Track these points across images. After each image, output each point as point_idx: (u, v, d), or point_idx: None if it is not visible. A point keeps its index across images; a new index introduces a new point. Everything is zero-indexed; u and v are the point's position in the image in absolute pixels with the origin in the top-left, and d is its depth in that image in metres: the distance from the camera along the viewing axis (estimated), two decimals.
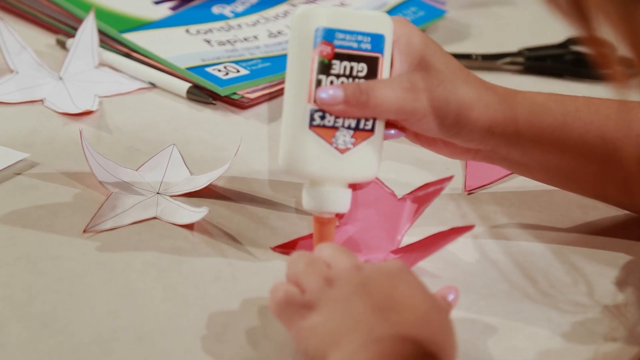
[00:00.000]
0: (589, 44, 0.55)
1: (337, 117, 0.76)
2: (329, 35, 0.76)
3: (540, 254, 0.84)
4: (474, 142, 0.80)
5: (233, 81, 1.08)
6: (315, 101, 0.76)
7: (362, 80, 0.76)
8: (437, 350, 0.62)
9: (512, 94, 0.81)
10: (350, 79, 0.76)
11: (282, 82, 1.11)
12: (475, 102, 0.78)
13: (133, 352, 0.69)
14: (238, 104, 1.07)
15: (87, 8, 1.12)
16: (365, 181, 0.82)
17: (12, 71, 1.07)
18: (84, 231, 0.82)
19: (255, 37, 1.16)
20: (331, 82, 0.76)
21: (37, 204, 0.85)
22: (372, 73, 0.77)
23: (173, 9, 1.19)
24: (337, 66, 0.76)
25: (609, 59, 0.55)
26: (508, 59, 1.19)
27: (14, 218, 0.83)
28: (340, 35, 0.76)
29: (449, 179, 0.83)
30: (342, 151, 0.77)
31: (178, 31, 1.16)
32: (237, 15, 1.19)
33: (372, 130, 0.77)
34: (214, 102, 1.07)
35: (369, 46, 0.77)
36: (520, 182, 0.95)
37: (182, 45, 1.14)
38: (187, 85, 1.08)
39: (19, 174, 0.90)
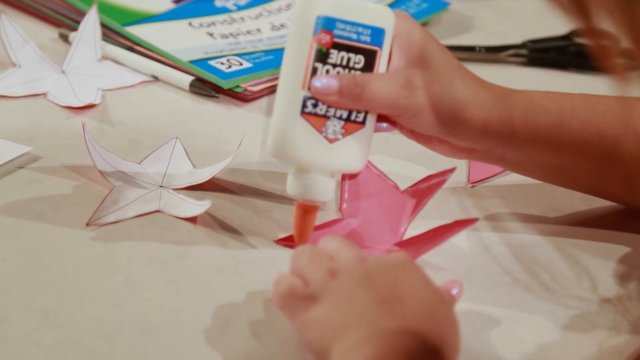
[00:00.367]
0: (589, 37, 0.55)
1: (329, 107, 0.76)
2: (329, 24, 0.76)
3: (543, 247, 0.84)
4: (469, 141, 0.80)
5: (236, 74, 1.08)
6: (309, 89, 0.76)
7: (358, 73, 0.76)
8: (440, 343, 0.62)
9: (508, 93, 0.81)
10: (347, 70, 0.76)
11: None
12: (471, 101, 0.78)
13: (136, 346, 0.69)
14: (241, 97, 1.07)
15: (89, 1, 1.12)
16: (350, 173, 0.82)
17: (14, 65, 1.07)
18: (87, 224, 0.82)
19: (258, 30, 1.16)
20: (327, 71, 0.76)
21: (40, 197, 0.85)
22: (369, 66, 0.77)
23: (176, 2, 1.19)
24: (335, 56, 0.76)
25: (609, 52, 0.54)
26: (512, 51, 1.19)
27: (17, 211, 0.83)
28: (341, 25, 0.76)
29: (452, 170, 0.83)
30: (331, 141, 0.77)
31: (181, 24, 1.16)
32: (240, 8, 1.19)
33: (363, 122, 0.77)
34: (217, 95, 1.07)
35: (368, 39, 0.77)
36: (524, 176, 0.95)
37: (185, 38, 1.14)
38: (190, 78, 1.08)
39: (21, 167, 0.90)
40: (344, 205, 0.86)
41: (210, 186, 0.89)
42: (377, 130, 0.79)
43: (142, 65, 1.10)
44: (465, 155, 0.83)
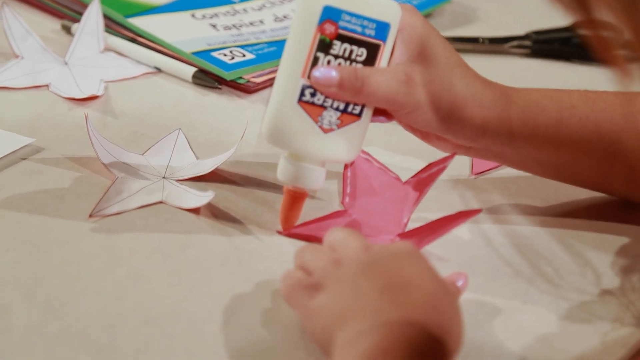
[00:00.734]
0: (589, 29, 0.55)
1: (327, 97, 0.76)
2: (335, 14, 0.76)
3: (546, 239, 0.84)
4: (466, 139, 0.80)
5: (239, 65, 1.08)
6: (309, 78, 0.76)
7: (359, 65, 0.76)
8: (443, 333, 0.62)
9: (508, 92, 0.81)
10: (348, 62, 0.76)
11: None
12: (470, 100, 0.78)
13: (139, 337, 0.69)
14: (244, 89, 1.07)
15: None
16: (341, 162, 0.82)
17: (17, 56, 1.07)
18: (90, 215, 0.82)
19: (261, 22, 1.16)
20: (328, 62, 0.76)
21: (42, 188, 0.85)
22: (370, 59, 0.77)
23: None
24: (338, 47, 0.76)
25: (610, 45, 0.54)
26: (515, 43, 1.19)
27: (19, 203, 0.83)
28: (347, 17, 0.76)
29: (451, 156, 0.83)
30: (325, 131, 0.77)
31: (183, 16, 1.15)
32: None
33: (359, 115, 0.78)
34: (220, 86, 1.07)
35: (372, 32, 0.77)
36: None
37: (188, 29, 1.13)
38: (193, 69, 1.08)
39: (24, 158, 0.90)
40: (346, 199, 0.86)
41: (213, 177, 0.89)
42: (373, 121, 0.79)
43: (145, 56, 1.10)
44: (463, 151, 0.83)
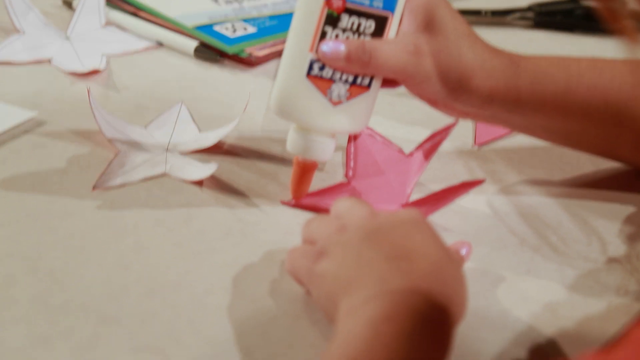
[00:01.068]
0: (597, 0, 0.55)
1: (335, 70, 0.76)
2: None
3: (551, 208, 0.84)
4: (474, 107, 0.80)
5: (241, 39, 1.08)
6: (317, 52, 0.75)
7: (368, 38, 0.76)
8: (447, 302, 0.62)
9: (516, 60, 0.80)
10: (356, 35, 0.76)
11: None
12: (478, 69, 0.78)
13: (143, 307, 0.69)
14: (246, 62, 1.07)
15: None
16: (351, 133, 0.82)
17: (19, 31, 1.06)
18: (94, 188, 0.82)
19: None
20: (336, 36, 0.75)
21: (45, 162, 0.85)
22: (379, 31, 0.76)
23: None
24: (345, 20, 0.76)
25: (618, 14, 0.54)
26: (518, 15, 1.19)
27: (22, 176, 0.83)
28: None
29: (453, 125, 0.83)
30: (334, 104, 0.77)
31: None
32: None
33: (368, 86, 0.77)
34: (222, 60, 1.07)
35: (380, 4, 0.76)
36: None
37: (190, 3, 1.13)
38: (195, 43, 1.07)
39: (27, 132, 0.90)
40: (350, 173, 0.86)
41: (216, 150, 0.89)
42: (381, 87, 0.79)
43: (147, 30, 1.10)
44: (470, 118, 0.83)
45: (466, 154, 0.92)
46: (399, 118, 0.97)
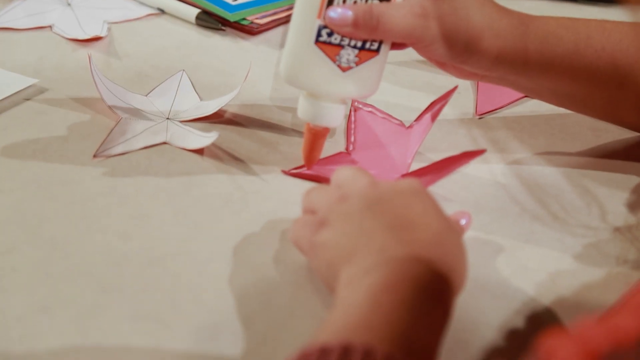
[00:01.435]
0: None
1: (344, 36, 0.75)
2: None
3: (552, 178, 0.84)
4: (482, 69, 0.79)
5: (242, 7, 1.08)
6: (324, 18, 0.75)
7: (375, 1, 0.75)
8: (448, 270, 0.62)
9: (525, 21, 0.80)
10: (364, 0, 0.75)
11: (291, 8, 1.11)
12: (486, 30, 0.77)
13: (144, 275, 0.69)
14: (247, 30, 1.07)
15: None
16: (361, 98, 0.81)
17: None
18: (94, 156, 0.82)
19: None
20: (344, 1, 0.75)
21: (46, 129, 0.85)
22: None
23: None
24: None
25: None
26: None
27: (24, 143, 0.83)
28: None
29: (452, 91, 0.83)
30: (344, 69, 0.76)
31: None
32: None
33: (377, 50, 0.77)
34: (223, 28, 1.06)
35: None
36: (532, 106, 0.95)
37: None
38: (196, 11, 1.07)
39: (28, 99, 0.90)
40: (350, 147, 0.86)
41: (217, 118, 0.89)
42: (390, 49, 0.79)
43: None
44: (478, 78, 0.83)
45: (468, 122, 0.91)
46: (401, 85, 0.97)
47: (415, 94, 0.96)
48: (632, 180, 0.84)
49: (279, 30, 1.08)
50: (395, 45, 0.78)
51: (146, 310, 0.66)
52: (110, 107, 0.87)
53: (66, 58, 0.98)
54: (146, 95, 0.91)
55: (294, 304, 0.68)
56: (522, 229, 0.78)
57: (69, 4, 1.07)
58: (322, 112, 0.78)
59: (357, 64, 0.76)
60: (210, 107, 0.89)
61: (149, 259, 0.71)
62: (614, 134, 0.90)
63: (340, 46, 0.75)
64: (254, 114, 0.90)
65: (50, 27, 1.03)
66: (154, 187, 0.79)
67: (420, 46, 0.78)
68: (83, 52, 0.99)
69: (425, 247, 0.63)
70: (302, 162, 0.82)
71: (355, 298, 0.59)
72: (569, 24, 0.81)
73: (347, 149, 0.86)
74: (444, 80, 0.98)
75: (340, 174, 0.72)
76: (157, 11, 1.09)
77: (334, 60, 0.76)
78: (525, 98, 0.96)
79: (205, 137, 0.84)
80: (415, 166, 0.83)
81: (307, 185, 0.81)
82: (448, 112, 0.92)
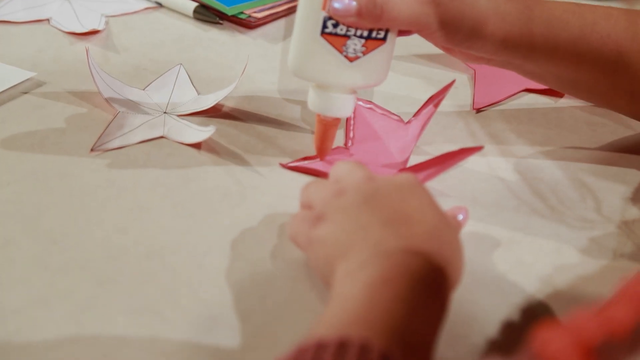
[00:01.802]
0: None
1: (349, 27, 0.75)
2: None
3: (549, 171, 0.84)
4: (487, 53, 0.79)
5: (240, 0, 1.08)
6: (329, 10, 0.75)
7: None
8: (444, 264, 0.62)
9: (530, 5, 0.79)
10: None
11: (289, 2, 1.11)
12: (492, 15, 0.77)
13: (142, 268, 0.70)
14: (245, 24, 1.07)
15: None
16: (371, 87, 0.81)
17: None
18: (92, 149, 0.82)
19: None
20: None
21: (44, 122, 0.85)
22: None
23: None
24: None
25: None
26: None
27: (21, 137, 0.83)
28: None
29: (450, 85, 0.83)
30: (351, 59, 0.76)
31: None
32: None
33: (384, 39, 0.76)
34: (221, 21, 1.06)
35: None
36: (529, 101, 0.95)
37: None
38: (194, 4, 1.07)
39: (26, 92, 0.90)
40: (349, 143, 0.86)
41: (215, 112, 0.89)
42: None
43: None
44: (483, 62, 0.83)
45: (465, 115, 0.92)
46: (399, 80, 0.97)
47: (413, 88, 0.96)
48: (628, 173, 0.84)
49: (276, 24, 1.08)
50: (402, 32, 0.78)
51: (143, 303, 0.67)
52: (107, 101, 0.87)
53: (64, 51, 0.98)
54: (144, 89, 0.91)
55: (291, 298, 0.68)
56: (518, 223, 0.78)
57: None
58: (332, 103, 0.78)
59: (364, 53, 0.76)
60: (207, 101, 0.89)
61: (147, 252, 0.71)
62: (611, 128, 0.91)
63: (346, 37, 0.75)
64: (251, 108, 0.90)
65: (48, 20, 1.03)
66: (152, 180, 0.79)
67: (425, 33, 0.78)
68: (81, 45, 0.99)
69: (422, 241, 0.63)
70: (299, 156, 0.83)
71: (352, 292, 0.59)
72: (576, 9, 0.81)
73: (345, 144, 0.86)
74: (442, 75, 0.98)
75: (338, 169, 0.72)
76: (154, 5, 1.09)
77: (340, 51, 0.76)
78: (523, 92, 0.96)
79: (202, 131, 0.84)
80: (413, 161, 0.84)
81: (305, 179, 0.81)
82: (446, 106, 0.92)
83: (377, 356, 0.53)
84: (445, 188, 0.81)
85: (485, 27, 0.77)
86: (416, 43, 0.98)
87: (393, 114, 0.89)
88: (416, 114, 0.88)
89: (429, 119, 0.85)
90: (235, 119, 0.88)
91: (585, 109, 0.94)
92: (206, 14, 1.06)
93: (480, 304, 0.69)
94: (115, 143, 0.83)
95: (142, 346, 0.63)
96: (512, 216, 0.79)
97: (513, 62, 0.81)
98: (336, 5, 0.74)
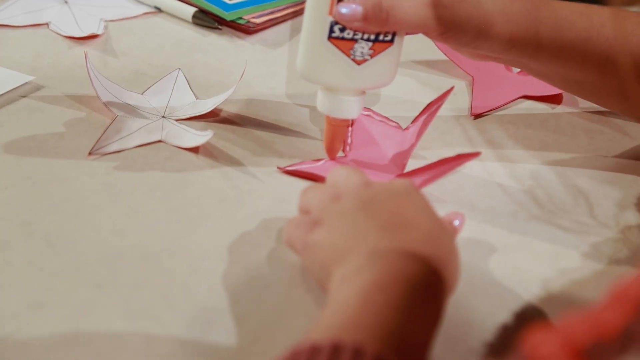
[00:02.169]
0: None
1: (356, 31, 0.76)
2: None
3: (546, 178, 0.84)
4: (494, 53, 0.80)
5: (239, 6, 1.08)
6: (335, 15, 0.75)
7: None
8: (440, 269, 0.62)
9: (537, 5, 0.79)
10: None
11: (288, 8, 1.11)
12: (498, 16, 0.77)
13: (138, 272, 0.70)
14: (244, 29, 1.07)
15: None
16: (379, 88, 0.82)
17: None
18: (90, 153, 0.82)
19: None
20: None
21: (42, 126, 0.86)
22: None
23: None
24: None
25: None
26: None
27: (19, 140, 0.83)
28: None
29: (449, 92, 0.83)
30: (358, 63, 0.76)
31: None
32: None
33: (391, 41, 0.77)
34: (220, 27, 1.07)
35: None
36: (527, 106, 0.95)
37: None
38: (193, 9, 1.07)
39: (24, 96, 0.90)
40: (347, 149, 0.86)
41: (213, 117, 0.89)
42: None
43: None
44: (491, 60, 0.83)
45: (463, 121, 0.92)
46: (398, 86, 0.97)
47: (412, 94, 0.96)
48: (625, 180, 0.84)
49: (275, 29, 1.08)
50: (409, 32, 0.78)
51: (139, 306, 0.67)
52: (105, 105, 0.87)
53: (62, 56, 0.98)
54: (142, 94, 0.91)
55: (287, 302, 0.68)
56: (515, 229, 0.78)
57: (66, 2, 1.07)
58: (340, 105, 0.79)
59: (371, 56, 0.76)
60: (206, 106, 0.89)
61: (143, 256, 0.71)
62: (608, 135, 0.91)
63: (353, 40, 0.76)
64: (249, 113, 0.90)
65: (47, 24, 1.03)
66: (149, 184, 0.79)
67: (432, 35, 0.78)
68: (79, 49, 0.99)
69: (418, 246, 0.63)
70: (297, 160, 0.83)
71: (347, 296, 0.59)
72: (583, 10, 0.81)
73: (343, 150, 0.86)
74: (441, 81, 0.98)
75: (335, 174, 0.72)
76: (154, 9, 1.09)
77: (348, 55, 0.76)
78: (520, 99, 0.96)
79: (200, 136, 0.84)
80: (410, 166, 0.84)
81: (302, 184, 0.81)
82: (444, 111, 0.92)
83: (370, 359, 0.53)
84: (442, 193, 0.81)
85: (491, 28, 0.77)
86: (415, 49, 0.99)
87: (391, 120, 0.89)
88: (414, 121, 0.88)
89: (427, 125, 0.85)
90: (233, 124, 0.89)
91: (582, 116, 0.94)
92: (205, 19, 1.06)
93: (477, 308, 0.69)
94: (113, 147, 0.83)
95: (138, 349, 0.63)
96: (509, 222, 0.79)
97: (519, 60, 0.81)
98: (342, 10, 0.75)
